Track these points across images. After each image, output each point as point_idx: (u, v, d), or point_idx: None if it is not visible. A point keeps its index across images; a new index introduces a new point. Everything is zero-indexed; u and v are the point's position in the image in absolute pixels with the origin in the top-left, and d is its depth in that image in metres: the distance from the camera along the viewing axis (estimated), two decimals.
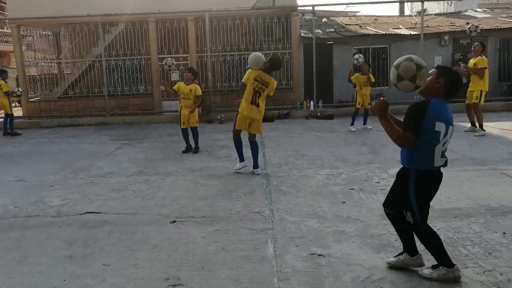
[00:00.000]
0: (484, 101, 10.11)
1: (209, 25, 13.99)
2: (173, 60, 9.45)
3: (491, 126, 10.12)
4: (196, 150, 8.56)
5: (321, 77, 14.52)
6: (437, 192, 5.40)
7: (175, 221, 4.76)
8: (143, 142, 10.17)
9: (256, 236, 4.24)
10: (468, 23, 16.25)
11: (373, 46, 15.55)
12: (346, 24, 17.29)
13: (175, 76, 14.90)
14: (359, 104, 10.57)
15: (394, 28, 16.26)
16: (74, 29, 15.81)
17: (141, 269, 3.63)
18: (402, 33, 15.34)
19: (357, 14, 21.95)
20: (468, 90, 9.57)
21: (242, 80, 6.61)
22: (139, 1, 14.05)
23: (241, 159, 6.88)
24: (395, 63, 3.22)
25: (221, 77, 15.55)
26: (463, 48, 15.60)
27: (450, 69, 3.35)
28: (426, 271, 3.33)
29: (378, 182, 5.91)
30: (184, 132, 8.61)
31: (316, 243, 4.01)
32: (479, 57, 9.38)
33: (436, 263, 3.31)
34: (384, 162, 7.06)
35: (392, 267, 3.48)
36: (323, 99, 14.22)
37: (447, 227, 4.29)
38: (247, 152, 6.87)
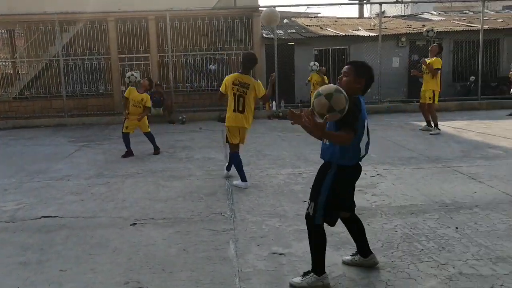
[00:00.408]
0: (439, 101, 10.47)
1: (170, 25, 13.86)
2: (137, 75, 9.23)
3: (445, 125, 10.47)
4: (157, 151, 8.42)
5: (283, 77, 14.65)
6: (394, 189, 5.60)
7: (135, 223, 4.69)
8: (103, 143, 9.97)
9: (217, 236, 4.24)
10: (424, 25, 16.78)
11: (333, 47, 15.82)
12: (307, 25, 17.52)
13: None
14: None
15: (354, 30, 16.59)
16: (30, 27, 15.30)
17: (100, 274, 3.56)
18: (361, 34, 15.67)
19: (318, 15, 22.25)
20: (422, 89, 9.83)
21: (220, 90, 5.95)
22: (98, 0, 13.77)
23: (244, 178, 5.96)
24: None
25: (183, 77, 15.43)
26: (420, 49, 16.09)
27: (367, 67, 3.28)
28: (296, 280, 3.26)
29: None
30: (126, 137, 8.26)
31: (277, 242, 4.05)
32: (434, 57, 9.57)
33: (307, 270, 3.29)
34: None
35: (347, 264, 3.54)
36: (285, 99, 14.36)
37: (403, 223, 4.41)
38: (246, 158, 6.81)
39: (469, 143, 8.38)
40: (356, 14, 25.98)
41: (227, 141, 6.05)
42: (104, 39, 14.68)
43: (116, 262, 3.76)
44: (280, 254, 3.80)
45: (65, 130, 12.60)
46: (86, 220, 4.84)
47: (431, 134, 9.44)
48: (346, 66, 3.26)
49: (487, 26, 15.23)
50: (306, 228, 4.35)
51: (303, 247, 3.90)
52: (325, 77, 10.93)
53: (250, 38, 15.11)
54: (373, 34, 15.20)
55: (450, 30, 15.91)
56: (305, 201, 5.16)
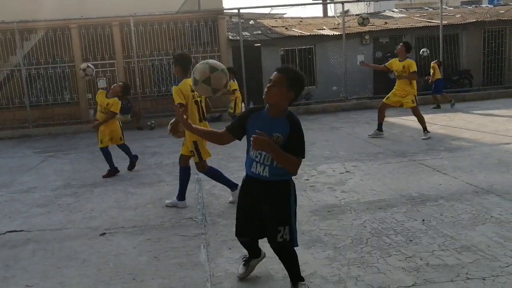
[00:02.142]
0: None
1: (135, 30, 13.72)
2: (92, 68, 8.99)
3: (410, 120, 10.68)
4: (132, 165, 7.50)
5: (251, 78, 14.68)
6: (363, 185, 5.69)
7: (104, 233, 4.62)
8: (70, 153, 9.78)
9: (188, 242, 4.22)
10: (386, 23, 17.11)
11: (299, 47, 15.95)
12: (272, 26, 17.61)
13: (101, 83, 14.45)
14: (232, 109, 11.11)
15: (318, 29, 16.78)
16: None
17: (68, 287, 3.49)
18: (325, 33, 15.85)
19: (284, 16, 22.40)
20: (393, 92, 8.87)
21: (177, 103, 4.80)
22: (59, 7, 13.50)
23: (233, 186, 5.30)
24: (194, 68, 3.10)
25: (150, 82, 15.29)
26: (383, 46, 16.40)
27: (301, 78, 2.90)
28: None
29: (307, 179, 6.08)
30: (106, 152, 7.13)
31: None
32: (407, 59, 8.67)
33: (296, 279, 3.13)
34: (313, 160, 7.26)
35: (244, 277, 3.40)
36: (254, 100, 14.39)
37: (372, 218, 4.49)
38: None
39: (433, 136, 8.59)
40: (321, 14, 26.30)
41: (199, 159, 5.12)
42: (68, 46, 14.41)
43: (85, 274, 3.69)
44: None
45: (30, 141, 12.29)
46: (53, 233, 4.74)
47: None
48: (278, 75, 2.85)
49: (446, 22, 15.65)
50: None
51: None
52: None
53: (216, 41, 15.10)
54: (337, 33, 15.41)
55: (412, 26, 16.26)
56: None
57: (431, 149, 7.51)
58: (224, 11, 15.50)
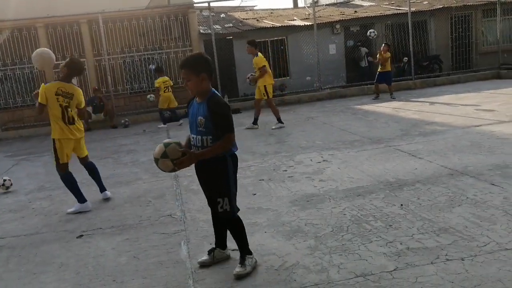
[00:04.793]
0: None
1: (104, 27, 13.45)
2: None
3: (384, 106, 10.83)
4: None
5: (225, 71, 14.60)
6: (340, 173, 5.72)
7: (82, 235, 4.52)
8: (43, 155, 9.55)
9: (168, 239, 4.16)
10: (356, 11, 17.21)
11: (271, 39, 15.91)
12: (244, 19, 17.52)
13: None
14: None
15: (290, 20, 16.76)
16: None
17: None
18: (297, 24, 15.85)
19: (254, 8, 22.32)
20: (258, 86, 9.57)
21: (38, 101, 5.08)
22: (24, 6, 13.12)
23: (82, 198, 5.27)
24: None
25: (122, 79, 15.04)
26: (354, 35, 16.50)
27: (201, 59, 3.24)
28: (239, 270, 3.30)
29: (285, 170, 6.07)
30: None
31: (229, 239, 3.96)
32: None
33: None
34: (290, 150, 7.27)
35: (204, 265, 3.50)
36: (229, 93, 14.32)
37: (351, 206, 4.51)
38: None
39: (408, 122, 8.70)
40: (291, 5, 26.29)
41: (57, 162, 5.20)
42: (35, 46, 14.00)
43: (64, 278, 3.60)
44: (233, 250, 3.76)
45: (0, 145, 11.97)
46: (28, 238, 4.61)
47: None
48: (182, 71, 3.20)
49: (414, 9, 15.83)
50: (257, 221, 4.38)
51: (256, 240, 3.90)
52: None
53: (187, 35, 14.94)
54: (308, 23, 15.42)
55: (381, 14, 16.40)
56: (255, 194, 5.20)
57: (406, 134, 7.60)
58: (194, 5, 15.34)
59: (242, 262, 3.35)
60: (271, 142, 8.19)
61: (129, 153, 8.64)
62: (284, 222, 4.27)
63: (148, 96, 12.73)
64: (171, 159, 3.14)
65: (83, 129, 5.45)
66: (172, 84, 12.29)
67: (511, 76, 14.39)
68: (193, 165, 3.31)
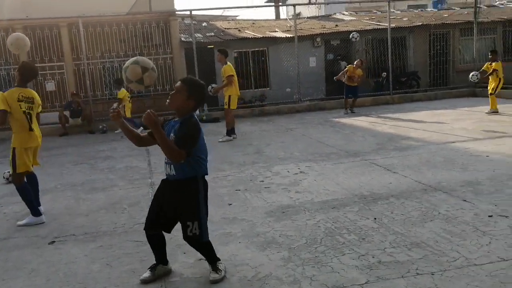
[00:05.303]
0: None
1: (84, 32, 13.33)
2: None
3: (361, 120, 11.00)
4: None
5: (204, 80, 14.53)
6: (316, 185, 5.77)
7: (54, 241, 4.46)
8: None
9: (142, 247, 4.13)
10: (337, 25, 17.46)
11: (253, 49, 16.01)
12: (225, 28, 17.59)
13: (50, 86, 13.99)
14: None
15: (271, 32, 16.90)
16: None
17: None
18: (278, 36, 16.00)
19: (236, 18, 22.44)
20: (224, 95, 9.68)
21: (0, 109, 4.81)
22: (3, 7, 12.92)
23: (36, 212, 5.04)
24: (124, 65, 3.32)
25: (101, 85, 14.92)
26: (334, 48, 16.73)
27: (200, 86, 3.31)
28: (215, 276, 3.35)
29: (262, 181, 6.10)
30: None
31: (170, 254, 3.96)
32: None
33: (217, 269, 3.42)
34: (268, 161, 7.31)
35: (146, 282, 3.41)
36: (208, 102, 14.31)
37: (326, 218, 4.56)
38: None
39: (384, 136, 8.85)
40: (273, 16, 26.54)
41: (14, 172, 5.01)
42: None
43: (34, 284, 3.55)
44: (200, 259, 3.74)
45: None
46: None
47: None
48: (180, 84, 3.24)
49: (394, 25, 16.15)
50: (231, 231, 4.39)
51: (230, 251, 3.91)
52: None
53: (168, 43, 14.93)
54: (289, 35, 15.57)
55: (361, 29, 16.66)
56: (230, 204, 5.20)
57: (382, 148, 7.73)
58: (176, 12, 15.35)
59: (215, 268, 3.41)
60: (249, 152, 8.22)
61: (106, 159, 8.56)
62: (259, 233, 4.29)
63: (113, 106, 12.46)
64: (146, 86, 3.30)
65: (41, 136, 5.30)
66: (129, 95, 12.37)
67: (486, 95, 14.75)
68: (157, 185, 3.38)
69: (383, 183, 5.66)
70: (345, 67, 15.45)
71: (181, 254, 3.91)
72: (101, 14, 13.25)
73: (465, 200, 4.80)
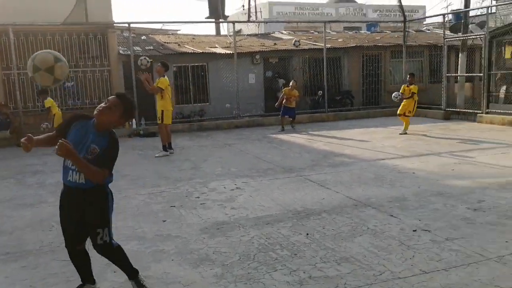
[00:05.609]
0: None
1: (15, 40, 12.75)
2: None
3: (298, 137, 11.24)
4: None
5: (142, 94, 14.33)
6: (252, 201, 5.82)
7: None
8: None
9: (69, 267, 3.92)
10: (275, 44, 17.82)
11: (192, 64, 15.99)
12: (165, 42, 17.44)
13: None
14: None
15: (211, 47, 16.97)
16: None
17: None
18: (218, 52, 16.09)
19: (177, 32, 22.33)
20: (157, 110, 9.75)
21: None
22: None
23: None
24: (32, 55, 3.25)
25: (33, 96, 14.26)
26: (273, 66, 17.06)
27: (134, 106, 3.26)
28: None
29: (198, 197, 6.07)
30: None
31: (135, 266, 3.91)
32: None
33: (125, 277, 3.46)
34: (205, 177, 7.28)
35: None
36: (146, 116, 14.08)
37: (260, 234, 4.60)
38: None
39: (319, 153, 9.09)
40: (214, 32, 26.69)
41: None
42: None
43: None
44: (125, 280, 3.67)
45: None
46: None
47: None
48: (116, 100, 3.11)
49: (329, 45, 16.74)
50: (165, 248, 4.33)
51: (162, 268, 3.86)
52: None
53: (106, 55, 14.58)
54: (229, 52, 15.71)
55: (299, 48, 17.12)
56: (165, 221, 5.13)
57: (316, 164, 7.93)
58: (114, 24, 15.05)
59: (139, 283, 3.39)
60: (185, 168, 8.16)
61: (35, 174, 8.17)
62: (193, 249, 4.26)
63: (43, 125, 11.86)
64: (56, 78, 3.18)
65: None
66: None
67: (415, 114, 15.57)
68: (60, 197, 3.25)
69: (316, 198, 5.81)
70: (282, 85, 15.80)
71: (111, 272, 3.81)
72: (33, 22, 12.73)
73: (392, 215, 5.03)
